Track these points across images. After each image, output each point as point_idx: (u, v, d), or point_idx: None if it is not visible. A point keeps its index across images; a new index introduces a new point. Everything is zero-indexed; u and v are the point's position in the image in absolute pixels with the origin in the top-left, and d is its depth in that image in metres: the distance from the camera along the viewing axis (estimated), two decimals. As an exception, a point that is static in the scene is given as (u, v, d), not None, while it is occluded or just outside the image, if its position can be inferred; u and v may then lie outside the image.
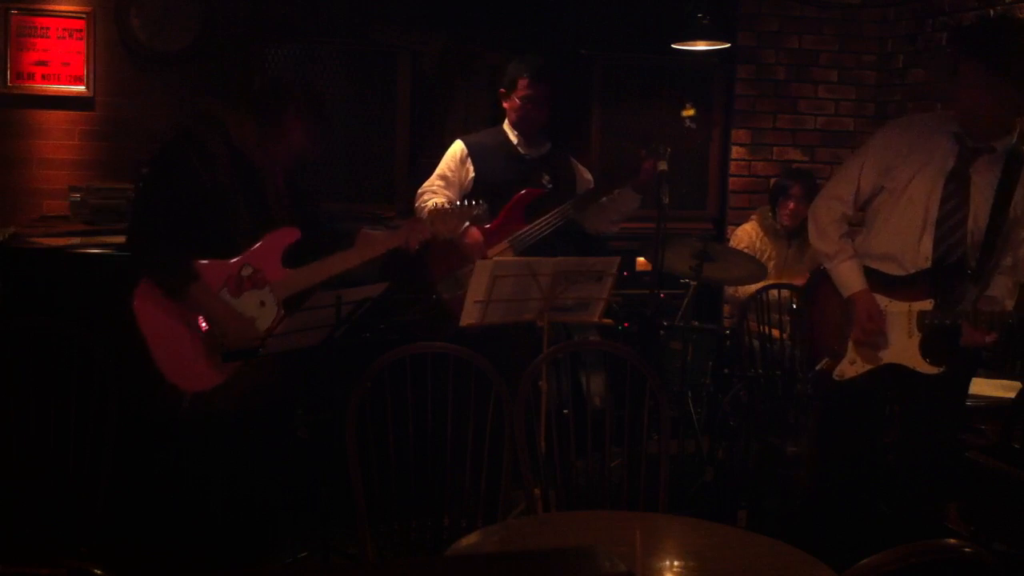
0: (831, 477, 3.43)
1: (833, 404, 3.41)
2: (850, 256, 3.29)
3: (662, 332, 4.43)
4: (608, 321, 3.98)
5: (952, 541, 1.70)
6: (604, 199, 4.00)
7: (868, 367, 3.26)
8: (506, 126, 4.09)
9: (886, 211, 3.25)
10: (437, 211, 3.46)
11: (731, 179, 5.81)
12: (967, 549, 1.67)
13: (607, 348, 3.33)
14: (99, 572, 1.53)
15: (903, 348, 3.21)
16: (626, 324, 4.57)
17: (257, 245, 3.14)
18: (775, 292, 4.51)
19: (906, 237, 3.20)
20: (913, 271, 3.20)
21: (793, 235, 4.92)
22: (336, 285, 3.18)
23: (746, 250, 4.81)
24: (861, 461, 3.39)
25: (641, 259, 5.20)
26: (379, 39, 5.16)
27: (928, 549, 1.65)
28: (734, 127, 5.79)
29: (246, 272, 3.12)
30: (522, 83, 3.96)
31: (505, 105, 4.07)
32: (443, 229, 3.44)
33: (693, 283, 4.31)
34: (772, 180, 5.30)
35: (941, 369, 3.17)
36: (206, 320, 3.08)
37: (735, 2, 5.71)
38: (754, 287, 4.53)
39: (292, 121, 3.18)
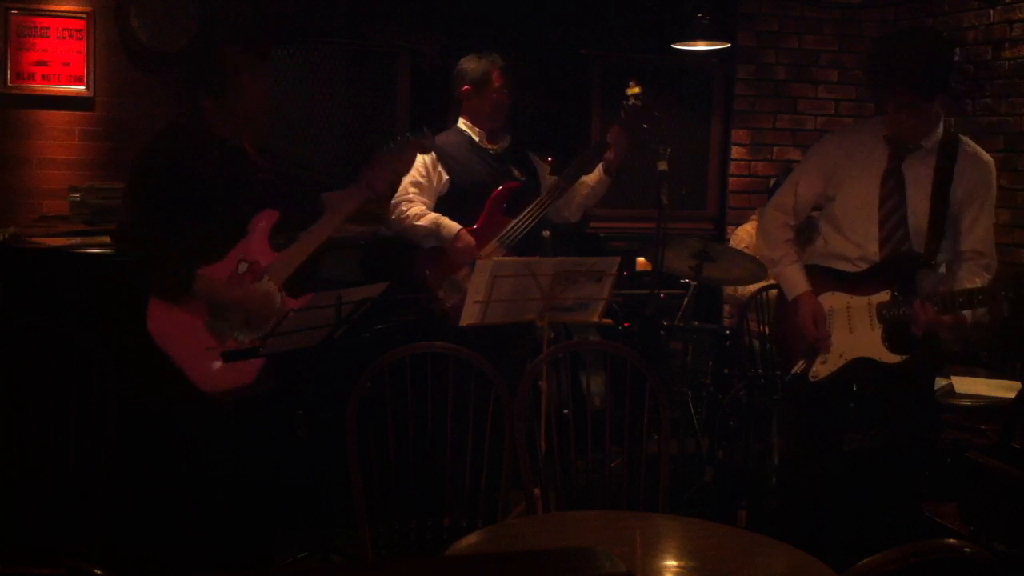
0: (804, 474, 3.49)
1: (804, 404, 3.49)
2: (793, 261, 3.44)
3: (662, 332, 4.43)
4: (608, 321, 3.97)
5: (952, 541, 1.70)
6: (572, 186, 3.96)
7: (838, 364, 3.34)
8: (464, 125, 4.01)
9: (834, 215, 3.40)
10: (388, 151, 3.43)
11: (731, 179, 5.81)
12: (967, 549, 1.66)
13: (607, 348, 3.33)
14: (99, 572, 1.52)
15: (868, 341, 3.31)
16: (626, 324, 4.57)
17: (245, 237, 3.17)
18: (775, 292, 4.50)
19: (854, 238, 3.34)
20: (866, 267, 3.32)
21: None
22: (336, 284, 3.19)
23: (746, 250, 4.81)
24: (831, 457, 3.46)
25: (641, 259, 5.19)
26: (379, 39, 5.16)
27: (928, 549, 1.64)
28: (734, 127, 5.79)
29: (242, 268, 3.15)
30: (495, 77, 3.94)
31: (470, 103, 3.99)
32: (401, 165, 3.48)
33: (693, 283, 4.31)
34: (772, 180, 5.30)
35: (904, 358, 3.26)
36: (225, 306, 3.09)
37: (735, 2, 5.71)
38: (754, 287, 4.53)
39: (237, 64, 3.14)
